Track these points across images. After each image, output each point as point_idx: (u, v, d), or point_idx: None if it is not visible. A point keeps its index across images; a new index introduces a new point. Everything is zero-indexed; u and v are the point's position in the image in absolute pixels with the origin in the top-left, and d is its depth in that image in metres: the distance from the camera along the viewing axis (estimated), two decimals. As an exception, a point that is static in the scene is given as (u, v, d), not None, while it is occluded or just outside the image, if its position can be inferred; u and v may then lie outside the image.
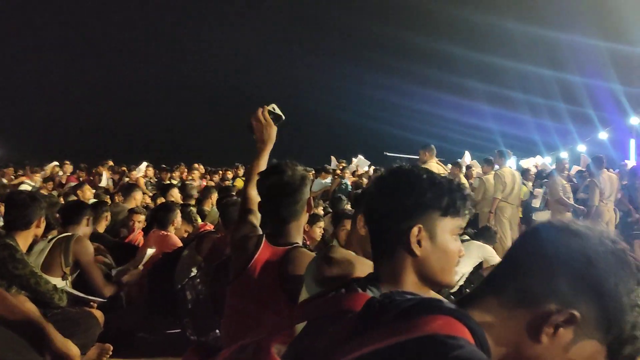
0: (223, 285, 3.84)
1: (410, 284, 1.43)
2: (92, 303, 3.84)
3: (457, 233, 1.45)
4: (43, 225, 3.61)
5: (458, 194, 1.43)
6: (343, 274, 1.83)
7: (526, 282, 0.96)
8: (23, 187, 11.34)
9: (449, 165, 10.23)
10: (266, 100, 2.65)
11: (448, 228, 1.42)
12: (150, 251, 4.51)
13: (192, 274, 4.43)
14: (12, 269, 3.27)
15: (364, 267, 1.84)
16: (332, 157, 13.38)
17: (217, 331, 4.08)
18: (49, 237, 3.94)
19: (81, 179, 11.90)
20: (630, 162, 13.96)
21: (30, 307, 3.18)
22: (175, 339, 4.31)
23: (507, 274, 1.01)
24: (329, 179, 11.64)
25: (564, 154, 21.08)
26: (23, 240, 3.45)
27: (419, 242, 1.39)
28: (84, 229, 4.26)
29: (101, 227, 5.83)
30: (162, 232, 5.31)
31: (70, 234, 4.00)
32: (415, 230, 1.39)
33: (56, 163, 14.28)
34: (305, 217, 2.45)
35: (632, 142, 21.23)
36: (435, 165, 8.37)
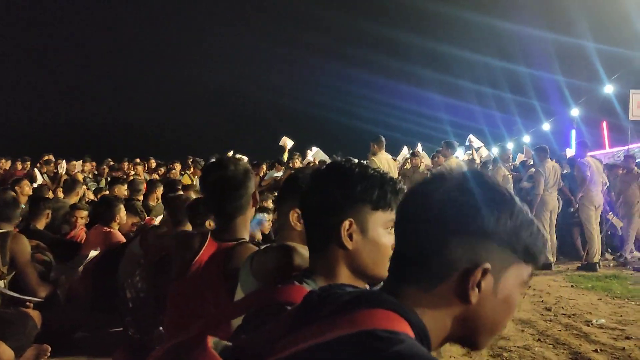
0: (165, 283, 3.80)
1: (344, 277, 1.43)
2: (27, 303, 3.70)
3: (389, 227, 1.43)
4: None
5: (389, 187, 1.43)
6: (281, 266, 1.81)
7: (428, 261, 0.95)
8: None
9: (405, 157, 10.33)
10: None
11: (380, 222, 1.41)
12: (93, 253, 4.39)
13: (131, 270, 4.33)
14: None
15: (302, 256, 1.83)
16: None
17: (161, 328, 4.02)
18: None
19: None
20: (570, 151, 14.45)
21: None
22: (119, 338, 4.20)
23: (406, 261, 0.99)
24: (281, 172, 11.57)
25: (509, 145, 21.73)
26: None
27: (350, 236, 1.38)
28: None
29: (41, 224, 5.64)
30: (105, 228, 5.17)
31: (5, 231, 3.84)
32: (346, 224, 1.38)
33: None
34: (251, 212, 2.42)
35: (573, 133, 22.02)
36: (384, 157, 8.44)
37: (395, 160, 10.07)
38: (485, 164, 11.07)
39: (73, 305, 4.54)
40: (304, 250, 1.82)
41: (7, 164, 12.90)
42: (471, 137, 13.36)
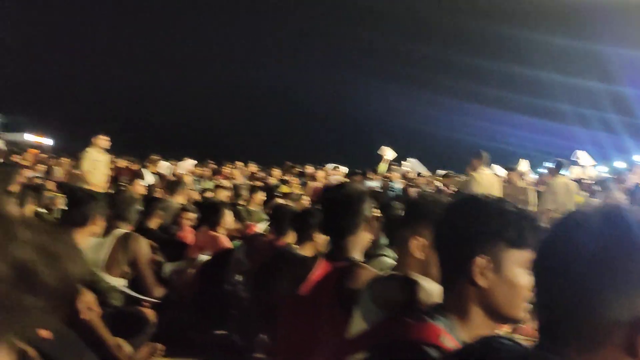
0: (266, 291, 3.88)
1: (477, 316, 1.40)
2: (144, 303, 3.89)
3: (526, 266, 1.37)
4: (100, 223, 3.65)
5: (527, 224, 1.38)
6: (409, 299, 1.79)
7: (583, 321, 0.89)
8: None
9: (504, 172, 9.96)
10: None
11: (516, 260, 1.37)
12: (203, 257, 4.55)
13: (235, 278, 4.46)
14: None
15: (427, 292, 1.80)
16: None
17: (263, 336, 4.10)
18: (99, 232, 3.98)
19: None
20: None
21: (90, 299, 3.21)
22: (223, 340, 4.34)
23: (555, 317, 0.94)
24: (375, 182, 11.51)
25: (620, 164, 20.41)
26: (80, 237, 3.51)
27: (483, 274, 1.35)
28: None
29: (153, 223, 5.92)
30: (212, 232, 5.34)
31: (126, 231, 4.06)
32: (479, 260, 1.35)
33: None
34: (365, 235, 2.44)
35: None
36: (486, 174, 8.19)
37: (499, 177, 9.72)
38: (598, 186, 10.44)
39: (182, 307, 4.74)
40: (428, 284, 1.79)
41: (123, 163, 13.59)
42: (579, 153, 12.32)
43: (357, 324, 1.93)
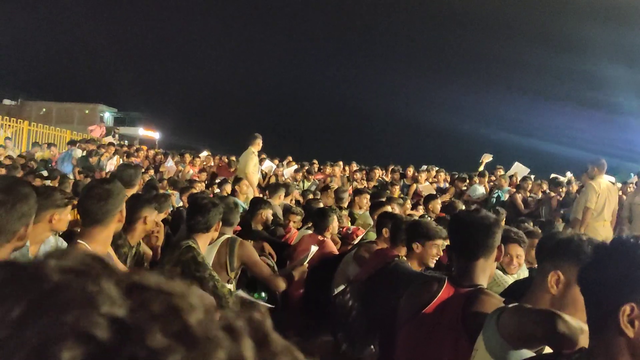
0: (376, 302, 3.84)
1: None
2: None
3: None
4: (219, 228, 3.76)
5: None
6: (544, 337, 1.69)
7: None
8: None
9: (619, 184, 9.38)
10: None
11: None
12: (314, 248, 4.58)
13: (342, 287, 4.44)
14: (194, 271, 3.44)
15: (570, 326, 1.69)
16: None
17: (372, 347, 4.08)
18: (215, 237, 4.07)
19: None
20: None
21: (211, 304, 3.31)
22: (329, 347, 4.35)
23: None
24: (480, 187, 11.18)
25: None
26: (202, 243, 3.62)
27: (632, 322, 1.24)
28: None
29: (257, 224, 6.07)
30: (319, 236, 5.39)
31: (230, 236, 4.12)
32: (626, 308, 1.25)
33: (207, 153, 15.03)
34: (493, 264, 2.38)
35: None
36: (605, 182, 7.72)
37: (614, 184, 9.16)
38: None
39: (288, 310, 4.82)
40: (571, 320, 1.68)
41: (214, 160, 13.93)
42: None
43: (481, 355, 1.86)
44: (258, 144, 9.43)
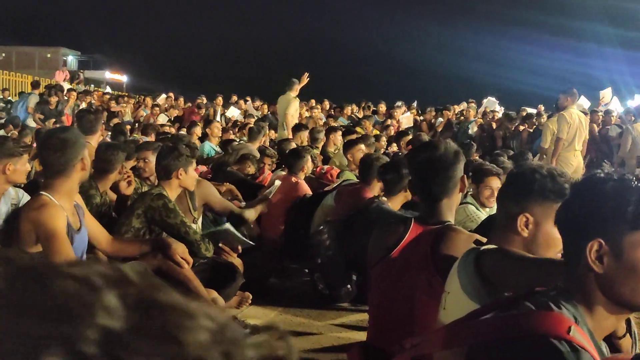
0: (353, 243, 3.84)
1: (602, 304, 1.28)
2: (233, 253, 3.93)
3: None
4: (184, 176, 3.61)
5: None
6: (524, 281, 1.66)
7: None
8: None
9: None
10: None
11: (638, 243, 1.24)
12: (277, 183, 4.51)
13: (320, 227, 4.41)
14: (165, 218, 3.38)
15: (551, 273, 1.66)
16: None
17: (349, 286, 4.10)
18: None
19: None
20: None
21: (182, 251, 3.23)
22: (309, 288, 4.37)
23: None
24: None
25: None
26: (170, 190, 3.53)
27: (600, 259, 1.22)
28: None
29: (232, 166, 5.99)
30: (293, 178, 5.32)
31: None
32: (594, 245, 1.22)
33: (167, 95, 14.64)
34: (457, 196, 2.33)
35: None
36: (576, 113, 7.74)
37: (586, 114, 9.20)
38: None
39: (266, 253, 4.80)
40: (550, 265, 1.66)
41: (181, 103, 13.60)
42: None
43: (455, 297, 1.83)
44: (296, 89, 9.46)
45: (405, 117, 11.12)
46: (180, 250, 3.16)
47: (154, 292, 0.43)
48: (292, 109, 9.32)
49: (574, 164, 7.52)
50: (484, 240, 1.97)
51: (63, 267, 0.42)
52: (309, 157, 5.58)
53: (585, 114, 9.28)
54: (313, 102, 12.76)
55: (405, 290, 2.23)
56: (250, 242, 4.07)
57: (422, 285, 2.18)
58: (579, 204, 1.29)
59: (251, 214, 4.07)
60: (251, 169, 6.21)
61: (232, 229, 3.79)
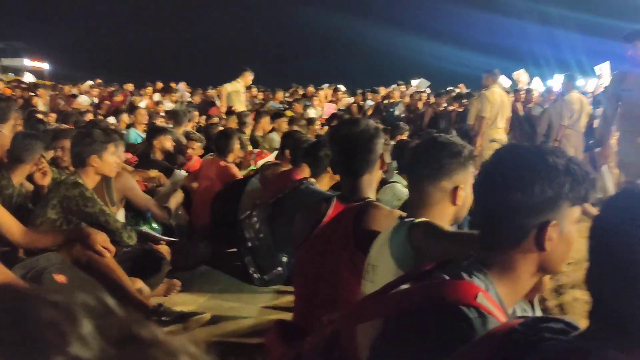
0: (283, 224, 3.82)
1: (526, 275, 1.32)
2: (162, 242, 3.85)
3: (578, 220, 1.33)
4: (99, 163, 3.46)
5: (590, 182, 1.29)
6: (451, 253, 1.69)
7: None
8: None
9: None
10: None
11: (574, 218, 1.30)
12: (181, 174, 4.40)
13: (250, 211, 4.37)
14: (83, 207, 3.25)
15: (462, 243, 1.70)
16: None
17: (280, 268, 4.09)
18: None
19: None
20: None
21: (103, 240, 3.12)
22: (239, 273, 4.32)
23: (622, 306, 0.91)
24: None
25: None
26: (86, 178, 3.39)
27: (550, 237, 1.26)
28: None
29: (158, 153, 5.83)
30: (222, 161, 5.23)
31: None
32: (552, 226, 1.26)
33: (91, 82, 14.15)
34: (378, 172, 2.35)
35: None
36: (498, 92, 7.98)
37: (509, 94, 9.51)
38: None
39: (194, 240, 4.72)
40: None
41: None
42: (603, 66, 11.19)
43: (385, 268, 1.84)
44: (245, 76, 9.87)
45: (328, 106, 11.13)
46: (100, 239, 3.04)
47: (136, 326, 0.42)
48: (230, 89, 9.73)
49: (497, 141, 7.77)
50: (404, 215, 1.99)
51: (46, 294, 0.42)
52: (237, 140, 5.49)
53: (508, 92, 9.60)
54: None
55: (329, 268, 2.23)
56: (173, 238, 3.98)
57: (344, 263, 2.19)
58: (539, 187, 1.25)
59: (165, 215, 3.91)
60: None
61: (150, 231, 3.70)
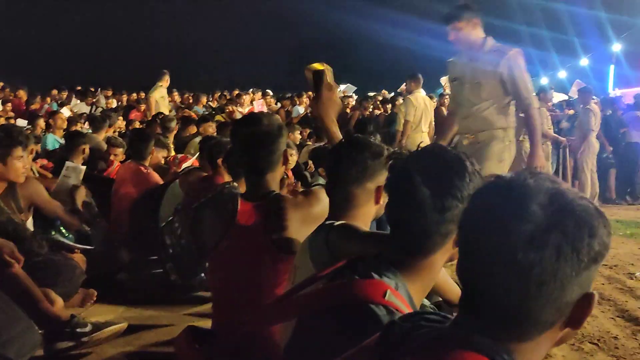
0: (205, 229, 3.76)
1: (437, 268, 1.39)
2: (76, 250, 3.70)
3: None
4: (4, 168, 3.27)
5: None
6: (355, 252, 1.71)
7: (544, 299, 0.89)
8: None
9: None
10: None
11: None
12: (81, 167, 4.22)
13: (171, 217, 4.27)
14: None
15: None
16: None
17: (203, 275, 4.01)
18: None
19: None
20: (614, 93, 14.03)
21: (10, 249, 2.96)
22: (160, 281, 4.23)
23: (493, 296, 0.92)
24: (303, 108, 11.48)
25: (544, 80, 21.13)
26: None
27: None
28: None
29: (78, 160, 5.61)
30: (140, 167, 5.06)
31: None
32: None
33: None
34: (281, 170, 2.34)
35: (612, 68, 21.26)
36: (421, 96, 8.19)
37: (432, 98, 9.79)
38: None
39: (113, 247, 4.56)
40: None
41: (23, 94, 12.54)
42: None
43: (306, 270, 1.84)
44: (166, 79, 10.19)
45: (260, 103, 11.12)
46: (7, 248, 2.88)
47: None
48: (157, 94, 9.96)
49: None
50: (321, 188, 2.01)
51: None
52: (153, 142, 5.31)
53: (431, 97, 9.86)
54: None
55: (247, 271, 2.19)
56: (88, 246, 3.84)
57: (264, 264, 2.16)
58: (457, 189, 1.27)
59: (75, 223, 3.76)
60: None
61: (62, 239, 3.55)
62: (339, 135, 2.42)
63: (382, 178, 1.86)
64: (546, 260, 0.80)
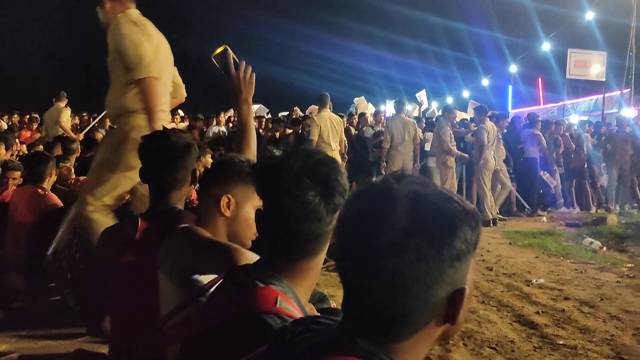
0: (104, 253, 3.63)
1: (318, 267, 1.38)
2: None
3: None
4: None
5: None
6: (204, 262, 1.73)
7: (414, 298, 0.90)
8: None
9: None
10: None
11: None
12: None
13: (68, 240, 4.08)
14: None
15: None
16: None
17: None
18: None
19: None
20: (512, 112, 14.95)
21: None
22: (58, 308, 4.02)
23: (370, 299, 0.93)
24: (221, 127, 11.38)
25: (449, 99, 22.14)
26: None
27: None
28: None
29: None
30: (38, 190, 4.81)
31: None
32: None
33: None
34: (187, 189, 2.29)
35: (510, 89, 22.61)
36: (327, 115, 8.35)
37: (342, 117, 10.01)
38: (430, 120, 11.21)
39: (9, 275, 4.29)
40: (251, 255, 1.71)
41: None
42: (422, 94, 13.81)
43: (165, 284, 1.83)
44: (64, 99, 10.11)
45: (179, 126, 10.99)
46: None
47: None
48: (65, 117, 9.96)
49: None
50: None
51: None
52: (53, 164, 5.06)
53: (342, 116, 10.08)
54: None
55: (143, 288, 2.12)
56: None
57: (157, 280, 2.10)
58: (312, 192, 1.26)
59: None
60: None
61: None
62: (250, 120, 2.39)
63: (236, 192, 1.85)
64: (407, 264, 0.82)
